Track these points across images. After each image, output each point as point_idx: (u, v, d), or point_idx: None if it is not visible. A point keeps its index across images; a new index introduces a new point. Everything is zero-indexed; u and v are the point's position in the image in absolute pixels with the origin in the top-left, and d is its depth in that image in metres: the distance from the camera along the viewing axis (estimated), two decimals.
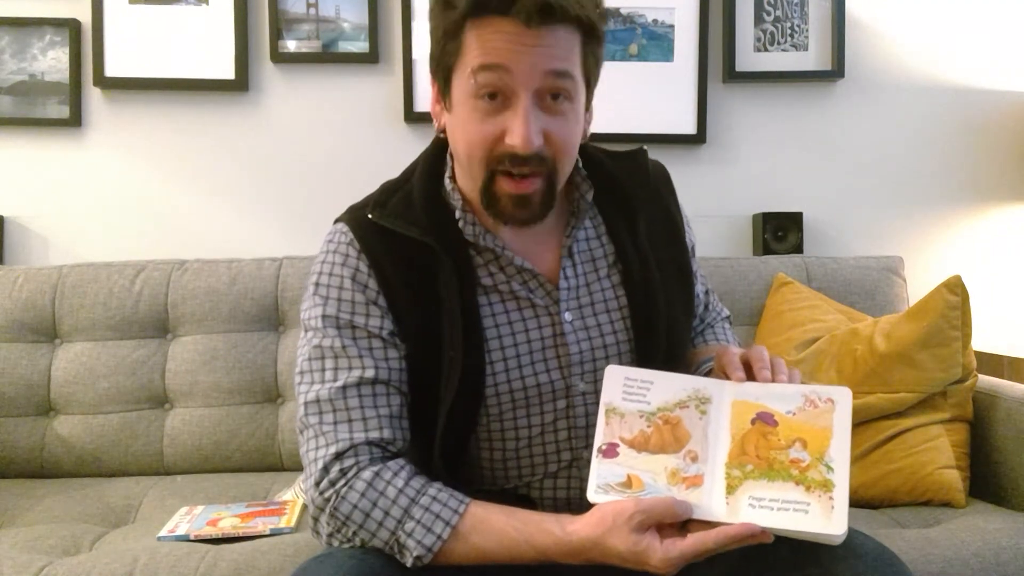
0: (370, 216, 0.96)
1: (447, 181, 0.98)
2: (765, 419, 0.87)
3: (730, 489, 0.83)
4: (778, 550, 0.84)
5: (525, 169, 0.89)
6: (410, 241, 0.94)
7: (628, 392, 0.89)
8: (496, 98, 0.87)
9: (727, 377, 0.91)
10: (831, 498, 0.80)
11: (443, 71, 0.91)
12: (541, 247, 0.98)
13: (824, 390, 0.87)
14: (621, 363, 0.96)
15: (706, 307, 1.17)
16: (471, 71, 0.87)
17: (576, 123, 0.92)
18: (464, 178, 0.96)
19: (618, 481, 0.85)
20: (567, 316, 0.97)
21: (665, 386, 0.90)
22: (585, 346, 0.97)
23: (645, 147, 1.07)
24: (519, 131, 0.86)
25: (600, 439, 0.88)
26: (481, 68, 0.86)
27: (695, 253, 1.11)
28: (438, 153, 1.00)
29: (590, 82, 0.94)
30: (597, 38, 0.92)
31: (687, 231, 1.09)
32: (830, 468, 0.82)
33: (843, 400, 0.86)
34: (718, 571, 0.87)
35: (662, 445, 0.87)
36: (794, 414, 0.86)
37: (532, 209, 0.92)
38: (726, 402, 0.89)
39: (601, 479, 0.85)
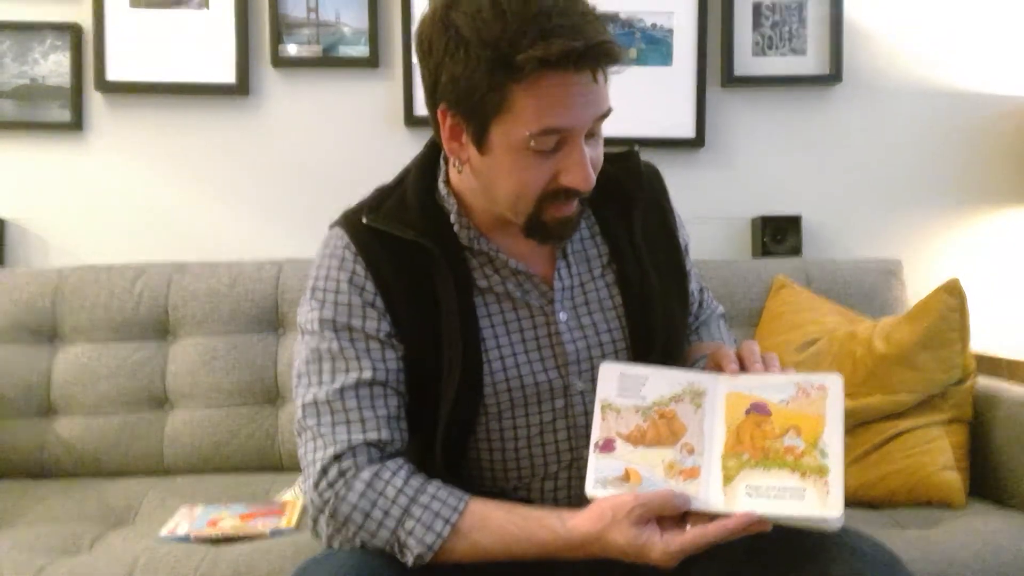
0: (364, 220, 0.96)
1: (441, 185, 0.98)
2: (759, 409, 0.87)
3: (727, 479, 0.84)
4: (778, 549, 0.85)
5: (575, 201, 0.90)
6: (405, 243, 0.94)
7: (623, 387, 0.90)
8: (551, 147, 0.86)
9: (721, 370, 0.92)
10: (826, 483, 0.81)
11: (479, 118, 0.85)
12: (535, 248, 0.99)
13: (816, 378, 0.88)
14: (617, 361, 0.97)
15: (700, 305, 1.18)
16: (531, 134, 0.83)
17: (602, 140, 0.92)
18: (489, 206, 0.94)
19: (616, 475, 0.86)
20: (562, 316, 0.98)
21: (660, 381, 0.91)
22: (581, 345, 0.98)
23: (638, 148, 1.08)
24: (580, 175, 0.86)
25: (597, 434, 0.88)
26: (544, 132, 0.83)
27: (689, 252, 1.12)
28: (431, 157, 1.01)
29: None
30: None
31: (680, 230, 1.10)
32: (824, 454, 0.83)
33: (835, 387, 0.86)
34: (718, 569, 0.87)
35: (658, 439, 0.88)
36: (787, 403, 0.87)
37: (574, 226, 0.95)
38: (720, 394, 0.89)
39: (599, 474, 0.86)
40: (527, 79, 0.81)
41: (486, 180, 0.91)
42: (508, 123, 0.84)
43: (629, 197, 1.03)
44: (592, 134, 0.88)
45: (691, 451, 0.87)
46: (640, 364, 0.93)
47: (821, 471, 0.82)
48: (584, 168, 0.86)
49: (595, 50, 0.81)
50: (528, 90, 0.82)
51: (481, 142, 0.87)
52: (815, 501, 0.80)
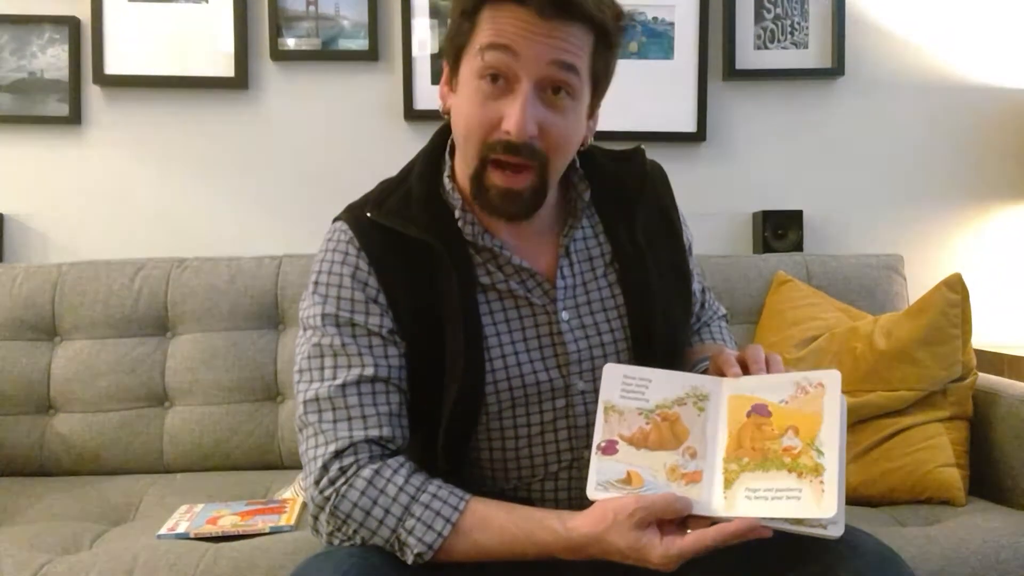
0: (369, 215, 0.96)
1: (446, 180, 0.98)
2: (759, 410, 0.87)
3: (727, 483, 0.84)
4: (778, 548, 0.84)
5: (516, 159, 0.89)
6: (409, 239, 0.94)
7: (626, 390, 0.90)
8: (499, 81, 0.88)
9: (723, 375, 0.92)
10: (821, 482, 0.80)
11: (454, 50, 0.92)
12: (539, 246, 0.99)
13: (814, 375, 0.87)
14: (619, 362, 0.96)
15: (703, 305, 1.17)
16: (479, 48, 0.88)
17: (576, 122, 0.92)
18: (462, 168, 0.96)
19: (618, 478, 0.85)
20: (564, 315, 0.97)
21: (663, 384, 0.90)
22: (583, 345, 0.97)
23: (643, 146, 1.07)
24: (515, 117, 0.87)
25: (599, 436, 0.88)
26: (489, 47, 0.87)
27: (692, 252, 1.11)
28: (436, 152, 1.00)
29: (597, 86, 0.94)
30: (610, 44, 0.92)
31: (684, 230, 1.09)
32: (820, 452, 0.82)
33: (832, 383, 0.85)
34: (718, 569, 0.87)
35: (661, 442, 0.87)
36: (787, 402, 0.86)
37: (521, 204, 0.92)
38: (723, 398, 0.89)
39: (601, 476, 0.86)
40: (490, 6, 0.88)
41: (455, 123, 0.93)
42: (471, 48, 0.90)
43: (632, 197, 1.02)
44: (552, 103, 0.89)
45: (694, 455, 0.86)
46: (643, 367, 0.92)
47: (816, 470, 0.81)
48: (520, 113, 0.87)
49: None
50: (487, 13, 0.88)
51: (454, 77, 0.93)
52: (810, 501, 0.80)
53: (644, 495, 0.82)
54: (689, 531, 0.81)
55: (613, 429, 0.88)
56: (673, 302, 1.02)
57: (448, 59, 0.94)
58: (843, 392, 0.86)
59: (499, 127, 0.88)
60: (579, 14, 0.87)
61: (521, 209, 0.93)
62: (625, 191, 1.02)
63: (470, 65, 0.90)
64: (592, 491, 0.85)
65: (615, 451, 0.87)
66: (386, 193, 0.98)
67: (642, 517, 0.80)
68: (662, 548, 0.79)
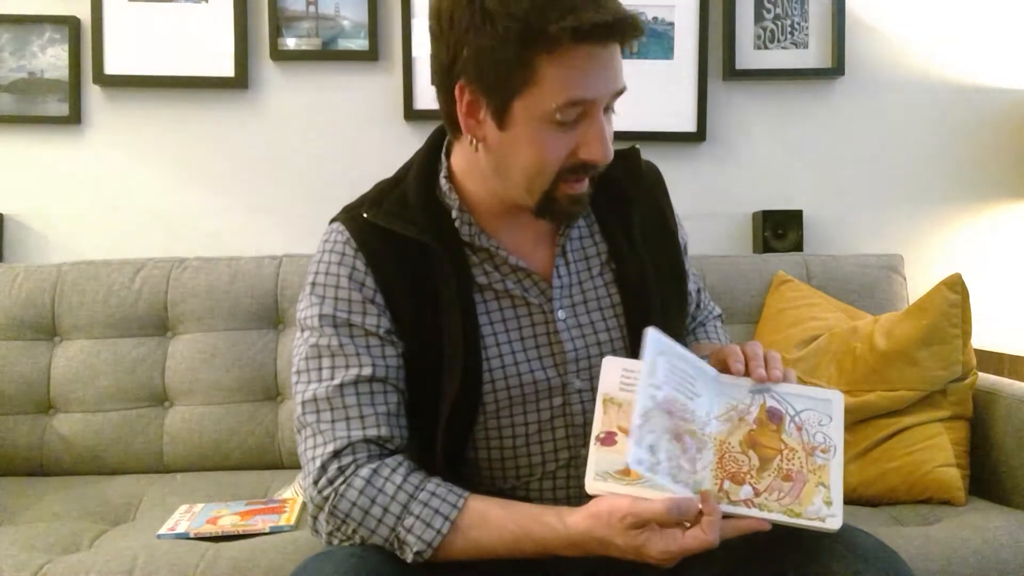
0: (365, 215, 0.96)
1: (443, 181, 0.98)
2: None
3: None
4: (778, 547, 0.84)
5: (587, 179, 0.91)
6: (406, 240, 0.94)
7: (626, 383, 0.89)
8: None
9: (727, 368, 0.92)
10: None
11: (501, 93, 0.86)
12: (535, 246, 0.99)
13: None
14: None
15: (698, 305, 1.18)
16: (556, 106, 0.84)
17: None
18: (499, 187, 0.94)
19: (616, 469, 0.85)
20: (560, 314, 0.98)
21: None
22: (579, 344, 0.98)
23: (638, 146, 1.07)
24: (600, 148, 0.88)
25: (598, 427, 0.87)
26: (568, 105, 0.85)
27: (687, 252, 1.12)
28: (433, 151, 1.00)
29: None
30: None
31: (679, 230, 1.09)
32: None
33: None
34: (719, 568, 0.87)
35: None
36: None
37: (584, 204, 0.95)
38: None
39: (599, 467, 0.85)
40: (557, 50, 0.83)
41: (502, 157, 0.91)
42: (533, 96, 0.85)
43: (628, 196, 1.02)
44: (608, 109, 0.90)
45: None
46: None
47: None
48: (604, 141, 0.88)
49: (623, 23, 0.84)
50: (557, 61, 0.83)
51: (502, 117, 0.87)
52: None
53: (637, 503, 0.80)
54: (688, 528, 0.81)
55: (612, 421, 0.88)
56: (669, 301, 1.03)
57: (486, 95, 0.87)
58: (843, 392, 0.89)
59: (575, 154, 0.88)
60: (637, 32, 0.86)
61: (584, 208, 0.96)
62: (622, 191, 1.02)
63: (533, 111, 0.86)
64: (590, 482, 0.85)
65: (614, 443, 0.86)
66: (383, 194, 0.99)
67: (632, 523, 0.79)
68: (662, 544, 0.79)
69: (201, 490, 1.53)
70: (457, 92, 0.89)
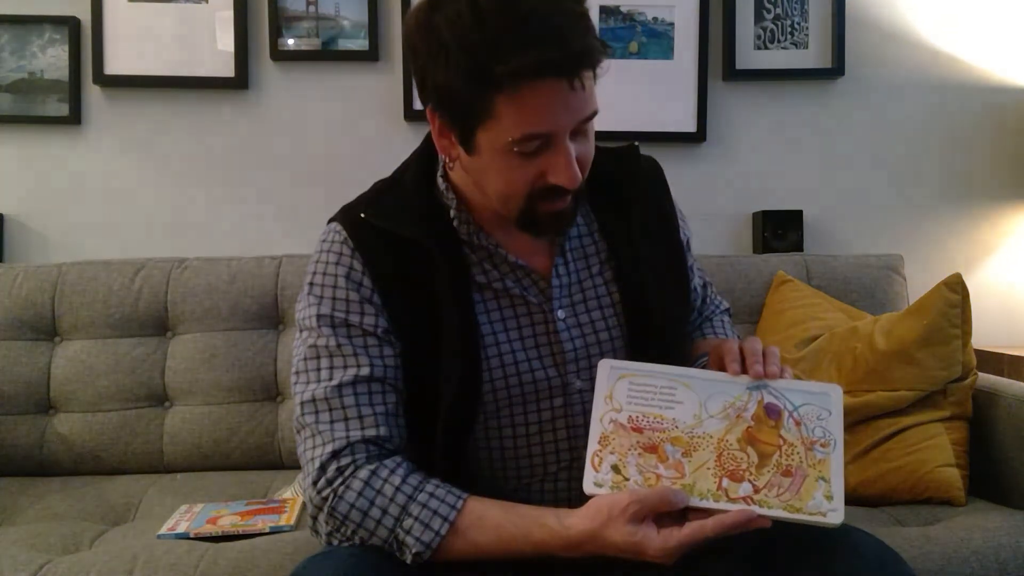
0: (363, 215, 0.96)
1: (440, 179, 0.98)
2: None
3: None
4: (779, 546, 0.84)
5: (567, 196, 0.90)
6: (404, 239, 0.94)
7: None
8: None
9: (724, 367, 0.92)
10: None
11: (462, 122, 0.86)
12: (535, 245, 0.99)
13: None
14: (616, 359, 0.96)
15: (704, 300, 1.17)
16: (513, 140, 0.84)
17: (593, 133, 0.92)
18: (484, 200, 0.94)
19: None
20: (560, 313, 0.98)
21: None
22: (579, 343, 0.97)
23: (637, 143, 1.07)
24: (565, 173, 0.86)
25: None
26: (525, 139, 0.84)
27: (691, 247, 1.11)
28: (430, 151, 1.00)
29: None
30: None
31: (682, 225, 1.09)
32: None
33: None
34: (719, 567, 0.87)
35: None
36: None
37: (568, 220, 0.94)
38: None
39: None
40: (506, 89, 0.81)
41: (476, 178, 0.92)
42: (492, 129, 0.84)
43: (628, 194, 1.02)
44: (580, 132, 0.88)
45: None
46: (638, 362, 0.93)
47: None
48: (569, 168, 0.86)
49: (572, 59, 0.81)
50: (508, 99, 0.82)
51: (468, 144, 0.88)
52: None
53: (638, 489, 0.82)
54: (687, 523, 0.81)
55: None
56: (670, 299, 1.02)
57: (450, 123, 0.88)
58: (843, 392, 0.88)
59: (543, 178, 0.87)
60: (593, 63, 0.84)
61: (569, 224, 0.96)
62: (621, 188, 1.02)
63: (495, 142, 0.85)
64: (588, 486, 0.85)
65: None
66: (380, 194, 0.99)
67: (636, 511, 0.80)
68: (660, 540, 0.79)
69: (201, 490, 1.53)
70: (429, 115, 0.90)
